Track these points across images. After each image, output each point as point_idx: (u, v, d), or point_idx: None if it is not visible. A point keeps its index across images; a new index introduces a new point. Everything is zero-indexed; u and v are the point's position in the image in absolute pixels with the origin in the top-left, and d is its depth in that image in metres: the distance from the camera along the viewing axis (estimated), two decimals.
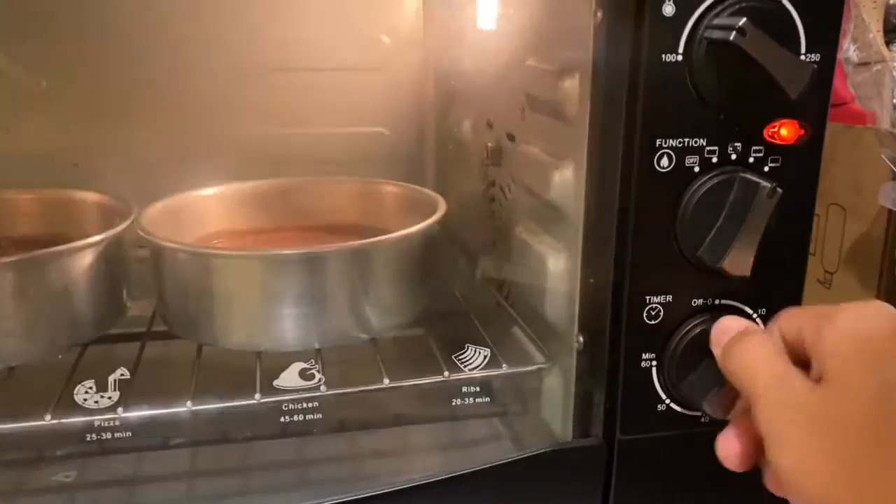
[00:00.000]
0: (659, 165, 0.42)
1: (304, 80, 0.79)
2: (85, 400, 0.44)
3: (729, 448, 0.38)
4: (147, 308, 0.62)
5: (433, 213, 0.60)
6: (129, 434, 0.44)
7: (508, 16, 0.59)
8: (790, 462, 0.32)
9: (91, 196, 0.63)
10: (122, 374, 0.44)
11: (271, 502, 0.46)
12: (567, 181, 0.48)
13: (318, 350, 0.53)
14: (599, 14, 0.43)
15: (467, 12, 0.69)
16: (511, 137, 0.61)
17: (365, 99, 0.81)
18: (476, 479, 0.48)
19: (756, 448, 0.37)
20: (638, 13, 0.40)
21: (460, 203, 0.70)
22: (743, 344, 0.37)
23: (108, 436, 0.44)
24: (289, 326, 0.53)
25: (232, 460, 0.59)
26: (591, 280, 0.46)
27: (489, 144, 0.64)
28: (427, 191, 0.66)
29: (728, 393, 0.42)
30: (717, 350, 0.40)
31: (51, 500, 0.56)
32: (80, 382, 0.48)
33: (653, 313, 0.45)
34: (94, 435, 0.44)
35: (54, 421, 0.44)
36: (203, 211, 0.65)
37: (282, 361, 0.52)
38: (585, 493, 0.49)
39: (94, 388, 0.44)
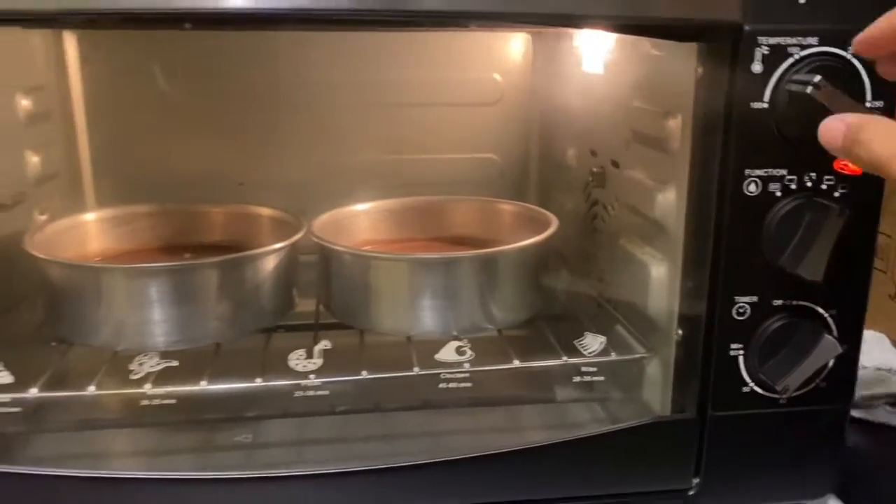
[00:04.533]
0: (747, 191, 0.52)
1: (426, 114, 0.92)
2: (297, 364, 0.56)
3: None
4: (306, 305, 0.74)
5: (543, 229, 0.71)
6: (326, 393, 0.56)
7: (614, 64, 0.70)
8: None
9: (265, 210, 0.76)
10: (325, 345, 0.57)
11: (410, 462, 0.57)
12: (669, 202, 0.59)
13: (456, 337, 0.64)
14: (700, 69, 0.53)
15: (572, 56, 0.80)
16: (615, 164, 0.72)
17: (478, 129, 0.93)
18: (584, 446, 0.58)
19: None
20: (732, 70, 0.50)
21: (562, 220, 0.81)
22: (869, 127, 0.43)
23: (312, 393, 0.56)
24: (430, 316, 0.65)
25: (378, 428, 0.71)
26: (690, 284, 0.57)
27: (594, 169, 0.75)
28: (540, 209, 0.77)
29: (801, 374, 0.53)
30: (836, 146, 0.44)
31: (232, 457, 0.69)
32: (271, 358, 0.61)
33: (741, 311, 0.55)
34: (301, 393, 0.56)
35: (263, 383, 0.57)
36: (355, 223, 0.78)
37: (424, 347, 0.64)
38: (680, 460, 0.59)
39: (304, 355, 0.56)
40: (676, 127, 0.57)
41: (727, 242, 0.53)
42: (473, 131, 0.93)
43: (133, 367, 0.56)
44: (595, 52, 0.73)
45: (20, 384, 0.56)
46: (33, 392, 0.56)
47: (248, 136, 0.87)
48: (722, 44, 0.51)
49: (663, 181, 0.61)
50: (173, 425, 0.68)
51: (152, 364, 0.56)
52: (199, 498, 0.57)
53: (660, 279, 0.61)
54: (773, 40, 0.50)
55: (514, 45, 0.91)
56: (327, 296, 0.70)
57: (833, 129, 0.45)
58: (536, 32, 0.89)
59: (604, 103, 0.73)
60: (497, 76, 0.92)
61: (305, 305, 0.73)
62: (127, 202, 0.79)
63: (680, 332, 0.58)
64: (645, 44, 0.62)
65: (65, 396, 0.57)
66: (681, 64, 0.55)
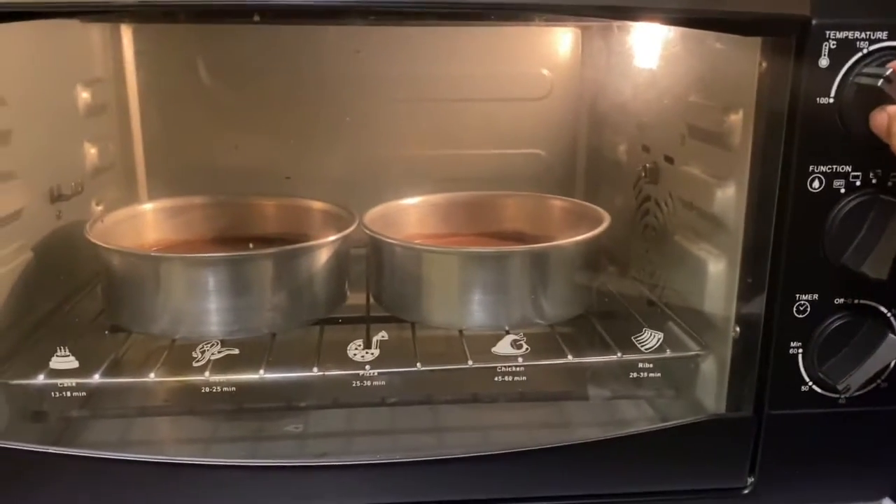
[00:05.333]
0: (811, 187, 0.52)
1: (473, 109, 0.92)
2: (355, 354, 0.57)
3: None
4: (355, 298, 0.75)
5: (593, 224, 0.70)
6: (382, 383, 0.57)
7: (670, 59, 0.70)
8: None
9: (316, 203, 0.77)
10: (382, 336, 0.57)
11: (458, 454, 0.57)
12: (729, 198, 0.59)
13: (507, 332, 0.64)
14: (764, 64, 0.53)
15: (624, 50, 0.79)
16: (669, 160, 0.71)
17: (525, 124, 0.93)
18: (638, 442, 0.58)
19: None
20: (797, 64, 0.50)
21: (611, 215, 0.80)
22: None
23: (369, 383, 0.57)
24: (481, 310, 0.65)
25: (425, 421, 0.71)
26: (750, 280, 0.56)
27: (647, 165, 0.75)
28: (591, 205, 0.76)
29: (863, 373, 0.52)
30: (884, 137, 0.47)
31: (285, 446, 0.70)
32: (325, 349, 0.62)
33: (801, 309, 0.54)
34: (358, 383, 0.57)
35: (320, 373, 0.58)
36: (404, 217, 0.78)
37: (475, 341, 0.64)
38: (736, 458, 0.58)
39: (362, 346, 0.57)
40: (737, 122, 0.57)
41: (789, 239, 0.53)
42: (521, 126, 0.93)
43: (195, 354, 0.57)
44: (648, 46, 0.73)
45: (84, 370, 0.58)
46: (96, 377, 0.57)
47: (295, 131, 0.88)
48: (787, 38, 0.50)
49: (723, 177, 0.60)
50: (225, 414, 0.69)
51: (214, 352, 0.57)
52: (249, 484, 0.57)
53: (717, 276, 0.61)
54: (842, 34, 0.49)
55: (563, 39, 0.91)
56: (378, 288, 0.70)
57: (878, 120, 0.47)
58: (586, 27, 0.89)
59: (658, 98, 0.72)
60: (545, 71, 0.92)
61: (354, 298, 0.74)
62: (177, 194, 0.81)
63: (737, 329, 0.58)
64: (704, 38, 0.61)
65: (128, 382, 0.58)
66: (742, 58, 0.55)
